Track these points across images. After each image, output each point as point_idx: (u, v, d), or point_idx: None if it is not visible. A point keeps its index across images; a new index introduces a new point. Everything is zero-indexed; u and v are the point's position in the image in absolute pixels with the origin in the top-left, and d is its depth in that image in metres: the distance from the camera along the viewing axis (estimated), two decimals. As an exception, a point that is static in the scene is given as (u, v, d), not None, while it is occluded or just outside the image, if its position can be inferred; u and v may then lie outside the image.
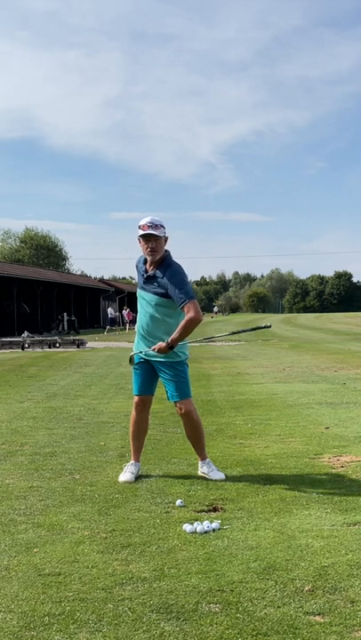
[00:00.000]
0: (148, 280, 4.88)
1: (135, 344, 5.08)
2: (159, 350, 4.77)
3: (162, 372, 4.94)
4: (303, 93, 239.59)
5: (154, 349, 4.81)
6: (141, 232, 4.77)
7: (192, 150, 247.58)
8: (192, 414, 4.95)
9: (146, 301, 4.91)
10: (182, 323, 4.72)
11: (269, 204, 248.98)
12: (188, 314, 4.69)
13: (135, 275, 5.20)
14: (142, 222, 4.78)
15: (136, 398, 5.10)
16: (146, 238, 4.76)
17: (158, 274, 4.82)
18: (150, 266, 4.88)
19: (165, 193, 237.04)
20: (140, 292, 5.00)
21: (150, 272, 4.86)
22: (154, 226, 4.74)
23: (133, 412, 5.12)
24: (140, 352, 4.97)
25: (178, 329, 4.73)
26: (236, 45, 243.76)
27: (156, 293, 4.83)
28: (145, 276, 4.90)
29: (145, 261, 4.95)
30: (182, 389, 4.90)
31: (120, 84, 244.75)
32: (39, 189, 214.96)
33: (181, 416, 4.99)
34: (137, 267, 5.07)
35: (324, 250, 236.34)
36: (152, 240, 4.75)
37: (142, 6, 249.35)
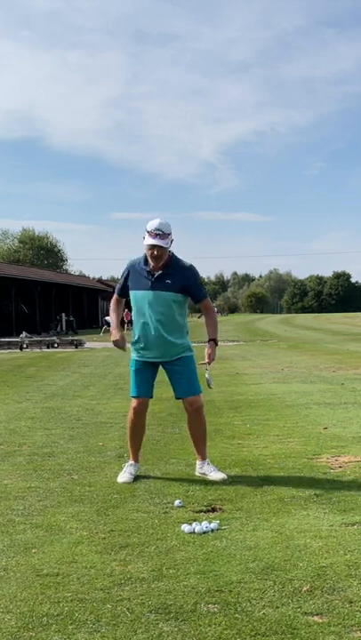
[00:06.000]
0: (159, 280, 4.75)
1: (143, 354, 4.86)
2: (212, 355, 4.97)
3: (174, 369, 4.90)
4: (305, 93, 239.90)
5: (211, 359, 4.98)
6: (150, 241, 4.64)
7: (193, 150, 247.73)
8: (202, 409, 5.00)
9: (159, 301, 4.75)
10: (212, 319, 5.05)
11: (269, 204, 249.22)
12: (211, 309, 5.09)
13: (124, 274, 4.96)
14: (151, 227, 4.64)
15: (135, 401, 4.94)
16: (151, 245, 4.67)
17: (169, 271, 4.76)
18: (156, 268, 4.76)
19: (166, 193, 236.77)
20: (147, 293, 4.77)
21: (157, 272, 4.75)
22: (162, 234, 4.63)
23: (132, 416, 4.98)
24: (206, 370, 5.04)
25: (211, 326, 5.01)
26: (238, 45, 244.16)
27: (171, 290, 4.75)
28: (154, 276, 4.75)
29: (145, 262, 4.80)
30: (195, 384, 4.97)
31: (122, 83, 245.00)
32: (39, 189, 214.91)
33: (191, 412, 4.93)
34: (133, 268, 4.84)
35: (323, 250, 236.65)
36: (157, 248, 4.67)
37: (145, 6, 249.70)
